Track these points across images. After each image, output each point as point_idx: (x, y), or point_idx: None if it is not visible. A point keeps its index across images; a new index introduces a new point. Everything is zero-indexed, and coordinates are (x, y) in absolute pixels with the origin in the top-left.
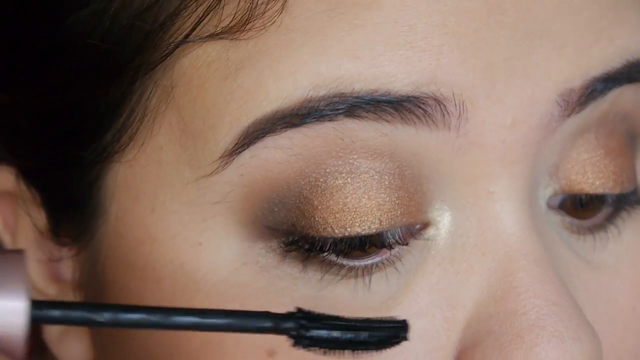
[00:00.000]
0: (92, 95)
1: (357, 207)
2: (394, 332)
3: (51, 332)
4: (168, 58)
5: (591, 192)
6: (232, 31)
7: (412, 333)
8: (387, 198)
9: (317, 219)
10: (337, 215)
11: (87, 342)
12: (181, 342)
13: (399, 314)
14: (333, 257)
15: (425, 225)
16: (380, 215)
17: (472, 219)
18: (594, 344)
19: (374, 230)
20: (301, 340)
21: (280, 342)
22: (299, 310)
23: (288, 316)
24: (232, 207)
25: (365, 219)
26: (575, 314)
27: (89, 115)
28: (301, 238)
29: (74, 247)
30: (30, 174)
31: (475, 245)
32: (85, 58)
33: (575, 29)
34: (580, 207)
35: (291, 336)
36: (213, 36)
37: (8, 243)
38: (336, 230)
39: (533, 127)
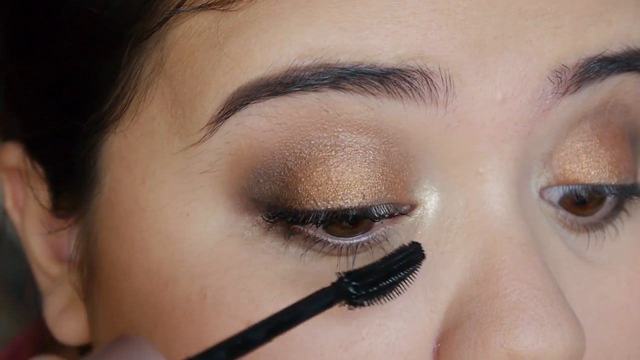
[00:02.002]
0: (91, 65)
1: (340, 181)
2: (416, 256)
3: (50, 311)
4: (162, 27)
5: (586, 182)
6: (224, 2)
7: (394, 313)
8: (372, 173)
9: (300, 191)
10: (320, 188)
11: (83, 320)
12: (163, 314)
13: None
14: (317, 234)
15: (413, 206)
16: (364, 190)
17: (460, 200)
18: (575, 332)
19: (357, 204)
20: (360, 301)
21: (260, 315)
22: (345, 274)
23: (341, 285)
24: (219, 177)
25: (348, 192)
26: (558, 300)
27: (87, 86)
28: (284, 211)
29: (73, 220)
30: (34, 147)
31: (461, 226)
32: (85, 27)
33: (572, 10)
34: (579, 204)
35: (352, 301)
36: (205, 7)
37: (17, 221)
38: (319, 203)
39: (525, 104)
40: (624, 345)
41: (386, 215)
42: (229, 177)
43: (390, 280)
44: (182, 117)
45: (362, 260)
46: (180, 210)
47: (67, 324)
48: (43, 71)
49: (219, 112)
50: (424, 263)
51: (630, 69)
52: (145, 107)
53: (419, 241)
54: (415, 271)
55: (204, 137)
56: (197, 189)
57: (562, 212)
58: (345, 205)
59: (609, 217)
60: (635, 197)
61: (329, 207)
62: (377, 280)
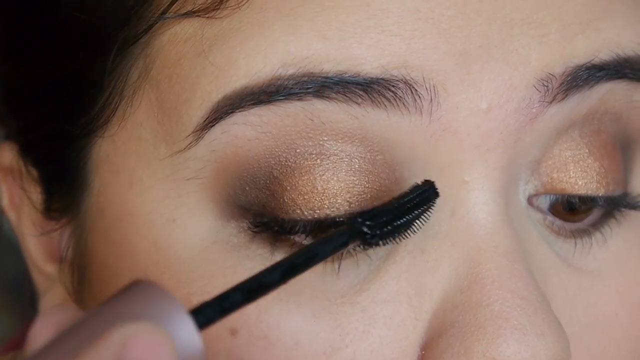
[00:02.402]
0: (80, 70)
1: (326, 189)
2: (430, 194)
3: (40, 283)
4: (148, 33)
5: (574, 192)
6: (209, 9)
7: (378, 320)
8: (357, 181)
9: (286, 200)
10: (306, 197)
11: (63, 292)
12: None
13: (365, 300)
14: (304, 241)
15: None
16: (350, 198)
17: (445, 208)
18: (559, 342)
19: (343, 212)
20: (375, 240)
21: (243, 321)
22: (358, 214)
23: (355, 224)
24: (204, 184)
25: (334, 201)
26: (542, 309)
27: (77, 90)
28: (271, 220)
29: (64, 222)
30: (27, 149)
31: (446, 235)
32: (74, 32)
33: (559, 18)
34: (569, 210)
35: (366, 241)
36: (190, 13)
37: (13, 221)
38: (305, 212)
39: (510, 113)
40: (612, 353)
41: None
42: (214, 185)
43: (405, 219)
44: (168, 124)
45: (347, 266)
46: (166, 216)
47: (53, 296)
48: (35, 74)
49: (205, 120)
50: (410, 270)
51: (619, 76)
52: (132, 112)
53: (406, 248)
54: (430, 209)
55: (189, 144)
56: (183, 195)
57: (550, 218)
58: (332, 214)
59: (597, 224)
60: (623, 209)
61: (316, 216)
62: (391, 219)
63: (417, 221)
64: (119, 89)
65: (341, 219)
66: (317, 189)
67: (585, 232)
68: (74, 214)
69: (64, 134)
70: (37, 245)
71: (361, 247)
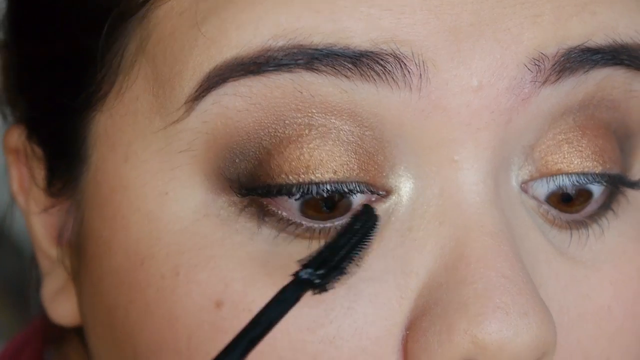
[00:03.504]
0: (80, 44)
1: (312, 157)
2: (371, 222)
3: (46, 293)
4: (145, 6)
5: (569, 171)
6: None
7: (363, 297)
8: (344, 151)
9: (272, 167)
10: (293, 164)
11: (75, 302)
12: (138, 291)
13: (351, 277)
14: (292, 216)
15: (388, 192)
16: (335, 166)
17: (435, 187)
18: (542, 323)
19: (328, 179)
20: (324, 285)
21: (228, 294)
22: (304, 265)
23: (303, 278)
24: (196, 157)
25: (320, 167)
26: (527, 289)
27: (77, 65)
28: (258, 186)
29: (64, 199)
30: (32, 127)
31: (435, 214)
32: (74, 7)
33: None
34: (566, 201)
35: (317, 288)
36: None
37: (22, 205)
38: (290, 177)
39: (502, 92)
40: (604, 347)
41: (357, 192)
42: (206, 157)
43: (352, 256)
44: (162, 97)
45: None
46: (159, 189)
47: (60, 306)
48: (37, 51)
49: (196, 91)
50: (396, 248)
51: (616, 62)
52: (129, 86)
53: (393, 226)
54: (370, 236)
55: (182, 115)
56: (176, 168)
57: (545, 207)
58: (316, 180)
59: (595, 216)
60: (622, 187)
61: (300, 180)
62: (339, 261)
63: (362, 244)
64: (116, 63)
65: (327, 186)
66: (303, 155)
67: (581, 224)
68: (73, 191)
69: (65, 109)
70: (43, 228)
71: (316, 294)
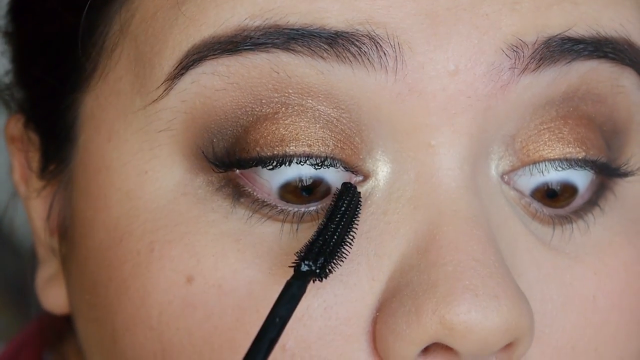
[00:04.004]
0: (66, 26)
1: (288, 131)
2: (355, 199)
3: (39, 280)
4: None
5: (551, 157)
6: None
7: (334, 278)
8: (319, 128)
9: (248, 141)
10: (268, 138)
11: (64, 289)
12: (117, 267)
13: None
14: (266, 198)
15: (366, 176)
16: (310, 141)
17: (411, 172)
18: (515, 308)
19: (301, 152)
20: (325, 272)
21: (199, 269)
22: (300, 257)
23: (304, 272)
24: (175, 136)
25: (295, 141)
26: (498, 273)
27: (63, 47)
28: (234, 160)
29: (57, 183)
30: (29, 113)
31: (410, 198)
32: None
33: None
34: (551, 197)
35: (320, 276)
36: None
37: (23, 193)
38: (265, 149)
39: (479, 77)
40: (590, 336)
41: (329, 165)
42: (184, 137)
43: (345, 239)
44: (142, 76)
45: (308, 228)
46: (139, 168)
47: (52, 293)
48: (30, 32)
49: (175, 69)
50: (371, 230)
51: (600, 55)
52: (112, 67)
53: (369, 209)
54: (358, 214)
55: (161, 94)
56: (155, 147)
57: (527, 199)
58: (290, 152)
59: (580, 212)
60: (608, 182)
61: (275, 152)
62: (335, 246)
63: (352, 225)
64: (100, 44)
65: (299, 159)
66: (278, 130)
67: (566, 219)
68: (65, 174)
69: (56, 92)
70: (38, 214)
71: (320, 280)
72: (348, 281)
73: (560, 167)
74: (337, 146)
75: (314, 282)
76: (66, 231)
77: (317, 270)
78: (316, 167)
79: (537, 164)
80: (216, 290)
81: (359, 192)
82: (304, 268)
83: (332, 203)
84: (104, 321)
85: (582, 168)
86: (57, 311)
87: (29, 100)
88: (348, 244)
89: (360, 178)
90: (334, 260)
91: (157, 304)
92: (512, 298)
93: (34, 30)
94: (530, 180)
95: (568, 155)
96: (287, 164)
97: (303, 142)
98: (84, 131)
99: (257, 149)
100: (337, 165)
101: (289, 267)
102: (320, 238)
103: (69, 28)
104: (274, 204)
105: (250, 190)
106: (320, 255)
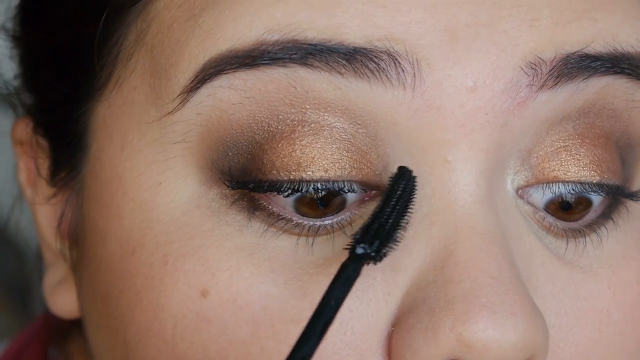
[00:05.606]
0: (80, 35)
1: (304, 154)
2: (411, 183)
3: (47, 284)
4: None
5: (566, 179)
6: None
7: (350, 293)
8: (336, 149)
9: (265, 162)
10: (284, 160)
11: (74, 294)
12: (128, 279)
13: None
14: (282, 211)
15: (382, 191)
16: (327, 165)
17: (427, 187)
18: (531, 325)
19: (318, 177)
20: (380, 255)
21: (214, 283)
22: (356, 240)
23: (359, 255)
24: (190, 148)
25: (311, 165)
26: (515, 290)
27: (77, 55)
28: (250, 180)
29: (68, 190)
30: (38, 119)
31: (426, 214)
32: None
33: (552, 4)
34: (565, 210)
35: (375, 259)
36: None
37: (29, 197)
38: (282, 173)
39: (497, 94)
40: (604, 350)
41: (348, 191)
42: (199, 149)
43: (400, 223)
44: (158, 87)
45: (323, 242)
46: (153, 179)
47: (60, 297)
48: (42, 38)
49: (191, 82)
50: None
51: (617, 71)
52: (127, 77)
53: None
54: (413, 199)
55: (176, 107)
56: (170, 159)
57: (541, 213)
58: (307, 177)
59: (594, 225)
60: (621, 198)
61: (291, 177)
62: (390, 230)
63: (407, 209)
64: (115, 53)
65: (318, 184)
66: (295, 152)
67: (579, 232)
68: (75, 181)
69: (68, 99)
70: (46, 219)
71: (374, 263)
72: (363, 296)
73: (573, 190)
74: (354, 167)
75: (367, 264)
76: (77, 239)
77: (373, 254)
78: (338, 195)
79: (551, 185)
80: (231, 304)
81: (415, 177)
82: (359, 251)
83: (389, 186)
84: (116, 331)
85: (596, 193)
86: (66, 316)
87: (38, 105)
88: (403, 228)
89: (376, 192)
90: (389, 244)
91: (170, 317)
92: (529, 315)
93: (46, 36)
94: (545, 193)
95: (582, 179)
96: (302, 191)
97: (319, 165)
98: (96, 140)
99: (274, 171)
100: (355, 189)
101: (344, 249)
102: (376, 221)
103: (83, 36)
104: (289, 217)
105: (265, 203)
106: (376, 238)
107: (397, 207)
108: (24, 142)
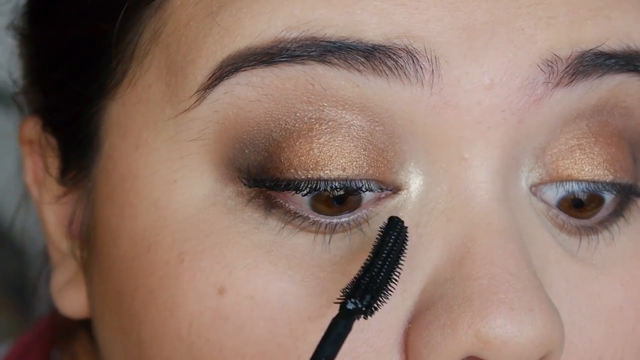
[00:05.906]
0: (95, 32)
1: (322, 152)
2: (402, 235)
3: (55, 284)
4: None
5: (580, 178)
6: None
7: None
8: (354, 147)
9: (282, 160)
10: (302, 158)
11: (84, 294)
12: (144, 278)
13: (356, 269)
14: (299, 209)
15: (397, 188)
16: (344, 163)
17: (444, 184)
18: (548, 321)
19: (336, 176)
20: (371, 310)
21: (231, 281)
22: (347, 295)
23: (350, 310)
24: (206, 146)
25: (329, 164)
26: (532, 286)
27: (91, 52)
28: (267, 178)
29: (78, 189)
30: (47, 117)
31: (443, 211)
32: None
33: (568, 2)
34: (577, 207)
35: (366, 314)
36: None
37: (35, 196)
38: (299, 172)
39: (513, 91)
40: (617, 346)
41: (365, 190)
42: (216, 146)
43: (392, 276)
44: (174, 85)
45: (340, 239)
46: (168, 177)
47: (69, 297)
48: (52, 38)
49: (208, 79)
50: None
51: (630, 69)
52: (142, 75)
53: None
54: (404, 251)
55: (193, 104)
56: (185, 156)
57: (555, 211)
58: (325, 176)
59: (605, 222)
60: (633, 197)
61: (309, 176)
62: (381, 284)
63: (399, 262)
64: (130, 51)
65: (335, 183)
66: (313, 151)
67: (592, 230)
68: (86, 180)
69: (79, 97)
70: (55, 219)
71: (365, 318)
72: None
73: (587, 188)
74: (371, 165)
75: (358, 319)
76: (88, 238)
77: (364, 309)
78: (355, 193)
79: (564, 183)
80: (248, 302)
81: (406, 227)
82: (351, 306)
83: (379, 238)
84: (129, 330)
85: (608, 192)
86: (74, 316)
87: (47, 104)
88: (394, 280)
89: (392, 190)
90: (381, 298)
91: (187, 315)
92: (546, 311)
93: (59, 34)
94: (558, 191)
95: (596, 178)
96: (320, 190)
97: (337, 164)
98: (108, 138)
99: (292, 170)
100: (372, 187)
101: (335, 303)
102: (367, 275)
103: (98, 34)
104: (306, 215)
105: (281, 201)
106: (367, 293)
107: (389, 260)
108: (32, 141)
